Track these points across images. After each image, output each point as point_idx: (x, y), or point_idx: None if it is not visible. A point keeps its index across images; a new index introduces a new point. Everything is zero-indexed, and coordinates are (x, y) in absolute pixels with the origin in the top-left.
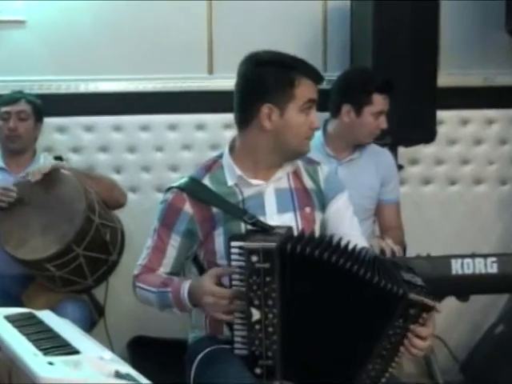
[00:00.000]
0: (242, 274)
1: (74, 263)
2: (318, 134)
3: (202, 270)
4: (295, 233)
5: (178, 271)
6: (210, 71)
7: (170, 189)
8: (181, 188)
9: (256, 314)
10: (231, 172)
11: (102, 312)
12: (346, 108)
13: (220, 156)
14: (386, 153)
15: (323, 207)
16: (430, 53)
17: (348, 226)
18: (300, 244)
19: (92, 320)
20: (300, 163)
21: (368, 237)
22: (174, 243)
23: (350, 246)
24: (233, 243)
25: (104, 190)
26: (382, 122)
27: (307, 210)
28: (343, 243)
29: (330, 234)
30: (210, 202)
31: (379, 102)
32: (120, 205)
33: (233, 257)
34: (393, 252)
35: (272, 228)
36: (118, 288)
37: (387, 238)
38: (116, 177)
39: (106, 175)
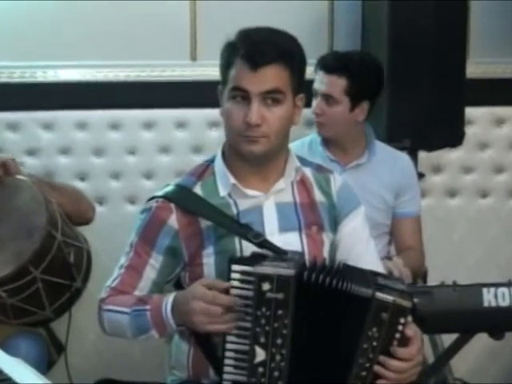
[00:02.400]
0: (247, 306)
1: (31, 289)
2: (315, 136)
3: None
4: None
5: None
6: (193, 57)
7: (153, 198)
8: (167, 197)
9: (260, 355)
10: (224, 180)
11: (62, 349)
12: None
13: (211, 160)
14: (402, 157)
15: (335, 226)
16: (458, 37)
17: (363, 250)
18: (316, 272)
19: (50, 359)
20: (308, 170)
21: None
22: (154, 263)
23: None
24: (234, 267)
25: (68, 201)
26: (315, 107)
27: (314, 229)
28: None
29: (341, 259)
30: (208, 216)
31: (317, 79)
32: (87, 220)
33: (233, 283)
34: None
35: (285, 252)
36: (82, 321)
37: (397, 258)
38: (79, 185)
39: (69, 184)
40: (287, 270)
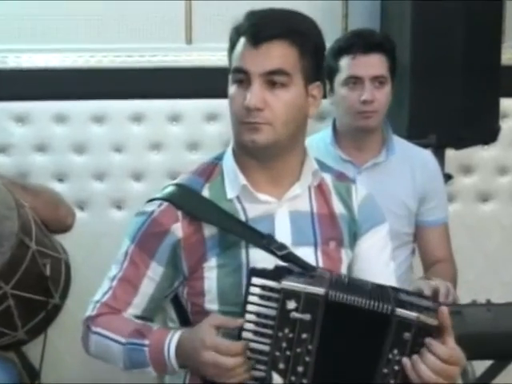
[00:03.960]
0: (266, 326)
1: (0, 307)
2: (326, 132)
3: (183, 315)
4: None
5: (151, 316)
6: (189, 40)
7: (154, 200)
8: (174, 202)
9: (278, 382)
10: (233, 180)
11: (35, 377)
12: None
13: (220, 158)
14: (425, 154)
15: (354, 242)
16: (491, 18)
17: (379, 273)
18: (341, 291)
19: None
20: (328, 177)
21: (405, 272)
22: (153, 275)
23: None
24: (255, 280)
25: (45, 206)
26: (364, 93)
27: (332, 244)
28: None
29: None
30: (224, 226)
31: (347, 64)
32: (66, 227)
33: (251, 299)
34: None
35: (313, 268)
36: (58, 343)
37: (435, 279)
38: (57, 186)
39: (46, 186)
40: (317, 288)
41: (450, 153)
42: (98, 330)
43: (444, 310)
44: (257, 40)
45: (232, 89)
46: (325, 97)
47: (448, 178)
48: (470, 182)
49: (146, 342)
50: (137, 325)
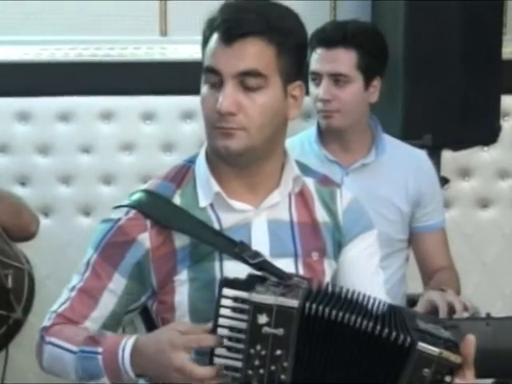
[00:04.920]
0: (239, 341)
1: None
2: (310, 131)
3: (153, 330)
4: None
5: (111, 331)
6: (163, 32)
7: (122, 206)
8: (143, 210)
9: None
10: (206, 187)
11: None
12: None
13: (192, 160)
14: (420, 155)
15: (338, 251)
16: (491, 9)
17: (366, 284)
18: (321, 304)
19: None
20: (311, 181)
21: (398, 282)
22: (115, 288)
23: (365, 301)
24: (226, 291)
25: (5, 211)
26: (321, 91)
27: (314, 255)
28: (356, 298)
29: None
30: (195, 235)
31: (311, 59)
32: (29, 235)
33: (223, 311)
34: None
35: (288, 276)
36: (21, 361)
37: (449, 291)
38: (20, 191)
39: (7, 190)
40: (290, 301)
41: (447, 154)
42: (51, 339)
43: (469, 343)
44: (230, 37)
45: (204, 89)
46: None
47: (444, 181)
48: (469, 186)
49: (100, 349)
50: (89, 333)
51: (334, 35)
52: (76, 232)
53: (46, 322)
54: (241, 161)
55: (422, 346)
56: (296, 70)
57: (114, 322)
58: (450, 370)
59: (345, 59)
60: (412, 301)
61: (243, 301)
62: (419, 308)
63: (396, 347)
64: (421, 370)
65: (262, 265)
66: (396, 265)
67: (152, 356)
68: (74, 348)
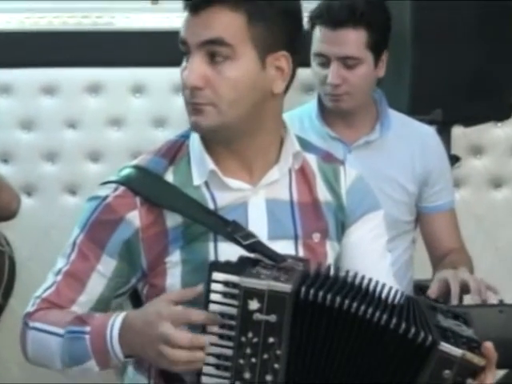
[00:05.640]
0: (231, 328)
1: None
2: (311, 106)
3: None
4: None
5: None
6: None
7: (110, 182)
8: (132, 187)
9: None
10: (200, 164)
11: None
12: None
13: (186, 135)
14: (428, 131)
15: (342, 233)
16: None
17: (371, 267)
18: (318, 288)
19: None
20: (313, 158)
21: (405, 265)
22: (104, 271)
23: (375, 288)
24: (216, 275)
25: None
26: (330, 75)
27: (316, 237)
28: (366, 284)
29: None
30: (185, 212)
31: (316, 38)
32: (9, 214)
33: (214, 297)
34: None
35: (282, 258)
36: (2, 350)
37: (463, 269)
38: (1, 168)
39: None
40: (283, 285)
41: (458, 131)
42: (36, 324)
43: (489, 346)
44: (195, 6)
45: (183, 65)
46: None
47: (455, 160)
48: (481, 164)
49: (87, 328)
50: (76, 314)
51: (341, 15)
52: (61, 212)
53: (30, 308)
54: (217, 138)
55: (445, 346)
56: (278, 40)
57: (103, 306)
58: (471, 373)
59: (354, 40)
60: (420, 286)
61: (234, 285)
62: (433, 288)
63: (415, 345)
64: (441, 372)
65: (255, 246)
66: (401, 248)
67: (140, 329)
68: (60, 331)
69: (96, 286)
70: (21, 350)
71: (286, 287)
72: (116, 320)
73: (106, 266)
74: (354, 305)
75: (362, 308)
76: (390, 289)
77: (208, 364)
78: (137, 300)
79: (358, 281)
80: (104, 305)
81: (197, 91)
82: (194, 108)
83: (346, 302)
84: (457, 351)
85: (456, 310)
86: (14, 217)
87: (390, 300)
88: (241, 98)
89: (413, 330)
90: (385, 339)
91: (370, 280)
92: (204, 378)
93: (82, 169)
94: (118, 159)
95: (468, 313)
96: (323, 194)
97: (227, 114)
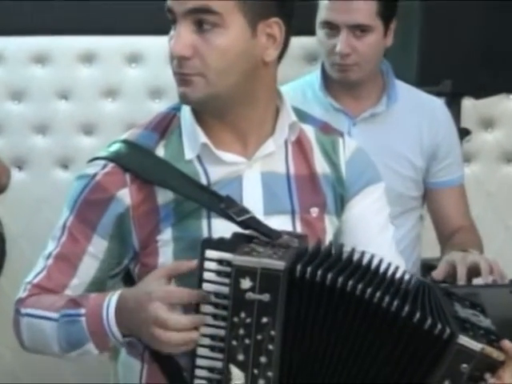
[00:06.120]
0: (225, 308)
1: None
2: (314, 76)
3: None
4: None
5: None
6: None
7: (97, 159)
8: (122, 163)
9: (238, 378)
10: (192, 138)
11: None
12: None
13: (178, 107)
14: (436, 103)
15: (341, 207)
16: None
17: (373, 241)
18: (317, 266)
19: None
20: (310, 129)
21: (412, 243)
22: (96, 252)
23: (385, 270)
24: (210, 253)
25: None
26: (339, 45)
27: (314, 211)
28: (375, 264)
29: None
30: (177, 188)
31: (324, 6)
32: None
33: (207, 275)
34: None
35: (277, 234)
36: None
37: (473, 251)
38: None
39: None
40: (276, 262)
41: (468, 103)
42: (28, 310)
43: (508, 344)
44: None
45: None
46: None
47: (465, 133)
48: (492, 138)
49: (82, 310)
50: (69, 296)
51: None
52: (52, 187)
53: (21, 294)
54: (208, 109)
55: (464, 339)
56: (269, 6)
57: (97, 289)
58: (490, 367)
59: (365, 8)
60: (427, 266)
61: (227, 263)
62: (439, 270)
63: (431, 338)
64: (458, 366)
65: (250, 222)
66: (408, 225)
67: (133, 309)
68: (55, 315)
69: (88, 268)
70: (16, 337)
71: (280, 264)
72: (111, 299)
73: (98, 247)
74: (360, 286)
75: (369, 291)
76: (404, 273)
77: (202, 346)
78: (129, 281)
79: (365, 260)
80: (98, 287)
81: (184, 61)
82: (181, 79)
83: (350, 282)
84: (476, 345)
85: (472, 299)
86: (3, 191)
87: (402, 285)
88: (230, 67)
89: (429, 321)
90: (395, 328)
91: (381, 260)
92: (198, 360)
93: (75, 142)
94: (113, 132)
95: (478, 293)
96: (321, 166)
97: (216, 84)
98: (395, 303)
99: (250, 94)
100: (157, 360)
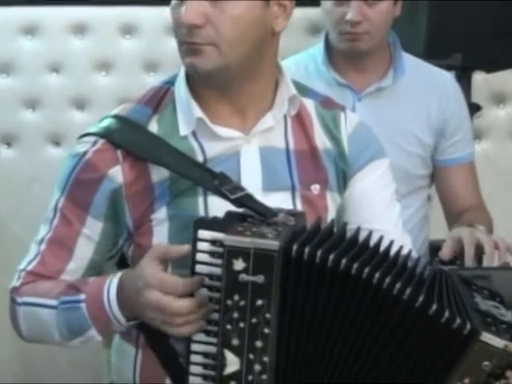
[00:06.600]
0: (218, 290)
1: None
2: (317, 49)
3: None
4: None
5: None
6: None
7: (87, 135)
8: (113, 139)
9: (233, 363)
10: (187, 112)
11: None
12: None
13: (171, 81)
14: (445, 77)
15: (344, 183)
16: None
17: (378, 218)
18: (316, 246)
19: None
20: (311, 103)
21: (419, 224)
22: (91, 234)
23: (397, 253)
24: (202, 233)
25: None
26: (350, 12)
27: (314, 189)
28: (384, 247)
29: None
30: (169, 164)
31: None
32: None
33: (200, 257)
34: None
35: (273, 212)
36: None
37: (480, 227)
38: None
39: None
40: (270, 242)
41: (479, 77)
42: (24, 299)
43: None
44: None
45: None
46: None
47: (476, 109)
48: (504, 114)
49: (82, 296)
50: (68, 282)
51: None
52: (43, 164)
53: (15, 283)
54: (215, 82)
55: (487, 336)
56: None
57: (95, 273)
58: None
59: None
60: (436, 247)
61: (220, 244)
62: (445, 249)
63: (449, 332)
64: (480, 363)
65: (244, 200)
66: (415, 205)
67: (132, 294)
68: (53, 302)
69: (84, 251)
70: (13, 328)
71: (274, 244)
72: (112, 282)
73: (92, 228)
74: (366, 270)
75: (377, 275)
76: (419, 258)
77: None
78: (123, 264)
79: (373, 242)
80: (95, 270)
81: (195, 30)
82: (191, 48)
83: (355, 265)
84: (499, 342)
85: (492, 288)
86: None
87: (417, 272)
88: (243, 37)
89: (447, 314)
90: (407, 320)
91: (392, 242)
92: (194, 346)
93: (67, 117)
94: (106, 107)
95: (490, 276)
96: (322, 141)
97: (228, 55)
98: (408, 291)
99: (256, 65)
100: (152, 345)
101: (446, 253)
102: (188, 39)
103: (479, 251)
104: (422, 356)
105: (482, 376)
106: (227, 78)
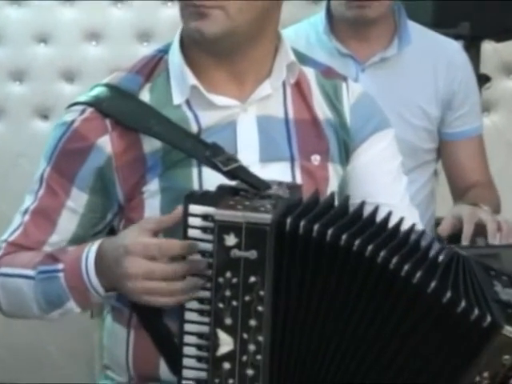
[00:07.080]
0: (210, 266)
1: None
2: (318, 18)
3: None
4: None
5: None
6: None
7: (75, 104)
8: (101, 107)
9: (226, 343)
10: (180, 80)
11: None
12: None
13: (165, 50)
14: (453, 46)
15: (346, 155)
16: None
17: (384, 191)
18: (313, 220)
19: None
20: (311, 72)
21: (425, 200)
22: (76, 206)
23: (407, 232)
24: (193, 208)
25: None
26: None
27: (315, 159)
28: (393, 223)
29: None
30: (160, 134)
31: None
32: None
33: (192, 233)
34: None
35: (266, 185)
36: None
37: (483, 206)
38: None
39: None
40: (262, 215)
41: (489, 47)
42: (3, 270)
43: None
44: None
45: None
46: None
47: (485, 79)
48: None
49: (60, 265)
50: (46, 252)
51: None
52: (31, 139)
53: None
54: (219, 47)
55: (509, 330)
56: None
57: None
58: None
59: None
60: None
61: (212, 219)
62: (444, 225)
63: (467, 324)
64: (500, 357)
65: (237, 172)
66: (422, 180)
67: (110, 263)
68: (31, 272)
69: (68, 224)
70: None
71: (266, 218)
72: (90, 250)
73: (77, 200)
74: (370, 247)
75: (382, 254)
76: (433, 240)
77: (190, 310)
78: None
79: (379, 218)
80: (80, 243)
81: None
82: (197, 12)
83: (357, 241)
84: None
85: (492, 262)
86: None
87: (430, 254)
88: (251, 2)
89: (463, 304)
90: (415, 306)
91: (401, 219)
92: (187, 326)
93: (55, 89)
94: (96, 78)
95: (499, 254)
96: (322, 110)
97: (236, 19)
98: (418, 274)
99: (261, 31)
100: (145, 325)
101: (444, 228)
102: (194, 1)
103: (481, 231)
104: (433, 350)
105: (502, 370)
106: (233, 43)
